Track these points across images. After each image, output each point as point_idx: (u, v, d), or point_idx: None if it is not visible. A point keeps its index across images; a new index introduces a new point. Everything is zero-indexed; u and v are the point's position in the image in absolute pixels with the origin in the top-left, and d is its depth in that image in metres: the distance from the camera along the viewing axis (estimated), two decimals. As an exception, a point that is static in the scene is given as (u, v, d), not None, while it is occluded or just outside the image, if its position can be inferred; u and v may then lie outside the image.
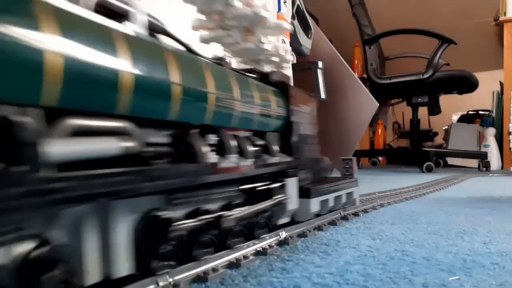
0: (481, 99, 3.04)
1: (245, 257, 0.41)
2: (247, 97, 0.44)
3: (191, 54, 0.40)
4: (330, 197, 0.62)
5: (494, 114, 2.95)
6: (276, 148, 0.52)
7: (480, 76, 2.26)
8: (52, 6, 0.23)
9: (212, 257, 0.39)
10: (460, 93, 2.24)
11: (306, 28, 1.24)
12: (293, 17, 1.14)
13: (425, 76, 2.06)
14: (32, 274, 0.24)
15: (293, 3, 1.13)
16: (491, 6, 2.70)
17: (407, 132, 2.82)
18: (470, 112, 3.31)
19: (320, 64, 1.30)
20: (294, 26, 1.14)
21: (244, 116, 0.44)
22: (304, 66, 1.29)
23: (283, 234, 0.50)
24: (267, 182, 0.49)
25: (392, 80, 2.15)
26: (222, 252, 0.40)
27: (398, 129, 3.53)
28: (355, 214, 0.70)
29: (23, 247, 0.23)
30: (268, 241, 0.47)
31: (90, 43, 0.25)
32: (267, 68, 0.49)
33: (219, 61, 0.45)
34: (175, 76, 0.32)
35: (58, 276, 0.25)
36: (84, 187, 0.24)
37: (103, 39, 0.26)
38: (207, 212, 0.39)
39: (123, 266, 0.30)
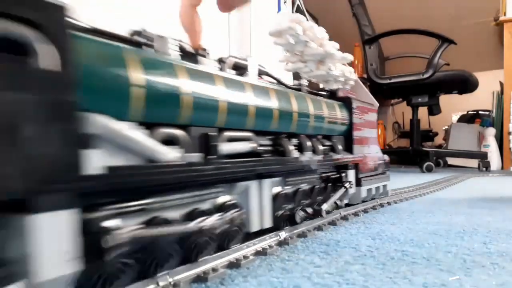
0: (481, 99, 3.04)
1: (245, 257, 0.41)
2: (318, 111, 0.63)
3: (281, 85, 0.60)
4: (373, 187, 0.80)
5: (494, 114, 2.96)
6: (340, 147, 0.70)
7: (480, 76, 2.26)
8: (188, 66, 0.40)
9: (212, 257, 0.39)
10: (460, 93, 2.24)
11: (306, 28, 1.24)
12: (293, 17, 1.14)
13: (425, 76, 2.06)
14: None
15: (293, 3, 1.13)
16: (491, 6, 2.70)
17: (407, 132, 2.82)
18: (470, 112, 3.31)
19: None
20: (294, 26, 1.15)
21: (316, 125, 0.62)
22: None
23: (283, 234, 0.51)
24: (335, 172, 0.69)
25: (392, 80, 2.15)
26: (222, 252, 0.40)
27: (398, 129, 3.53)
28: (355, 214, 0.70)
29: (221, 200, 0.43)
30: (268, 241, 0.47)
31: (230, 89, 0.44)
32: (335, 86, 0.66)
33: (299, 86, 0.65)
34: (274, 103, 0.52)
35: (237, 222, 0.43)
36: (237, 167, 0.43)
37: (238, 85, 0.46)
38: (304, 191, 0.58)
39: (268, 221, 0.50)
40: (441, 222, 0.66)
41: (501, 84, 2.70)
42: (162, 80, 0.35)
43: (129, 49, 0.33)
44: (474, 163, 2.45)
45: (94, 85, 0.29)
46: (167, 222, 0.35)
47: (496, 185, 1.50)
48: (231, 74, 0.48)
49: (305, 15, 1.23)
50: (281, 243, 0.49)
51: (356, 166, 0.74)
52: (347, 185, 0.68)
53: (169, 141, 0.36)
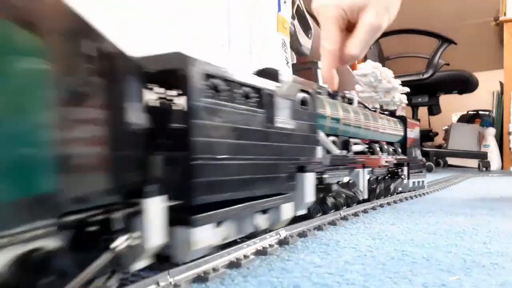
0: (481, 99, 3.04)
1: (245, 256, 0.41)
2: (384, 126, 0.90)
3: (365, 108, 0.88)
4: (416, 180, 1.06)
5: (494, 114, 2.96)
6: (399, 150, 1.00)
7: (480, 76, 2.26)
8: (340, 104, 0.72)
9: (212, 256, 0.39)
10: (460, 93, 2.24)
11: (306, 28, 1.24)
12: (293, 17, 1.14)
13: (425, 76, 2.06)
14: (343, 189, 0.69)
15: (293, 3, 1.13)
16: (491, 6, 2.70)
17: (407, 132, 2.82)
18: (470, 112, 3.31)
19: (320, 64, 1.30)
20: (294, 26, 1.14)
21: (384, 136, 0.91)
22: (304, 66, 1.29)
23: (283, 233, 0.51)
24: (395, 168, 0.96)
25: (392, 80, 2.15)
26: (222, 252, 0.40)
27: (398, 129, 3.52)
28: (355, 214, 0.70)
29: (346, 178, 0.72)
30: (268, 240, 0.47)
31: (354, 114, 0.76)
32: (394, 108, 1.01)
33: (375, 110, 0.93)
34: (371, 122, 0.83)
35: (351, 194, 0.72)
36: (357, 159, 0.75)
37: (355, 112, 0.77)
38: (383, 178, 0.88)
39: (366, 194, 0.78)
40: (441, 222, 0.66)
41: (501, 84, 2.70)
42: (334, 112, 0.68)
43: (323, 96, 0.68)
44: (474, 163, 2.45)
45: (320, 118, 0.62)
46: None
47: (496, 185, 1.50)
48: (350, 105, 0.78)
49: (305, 15, 1.23)
50: (281, 243, 0.49)
51: (408, 164, 1.00)
52: (403, 176, 0.96)
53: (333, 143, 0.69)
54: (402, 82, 2.28)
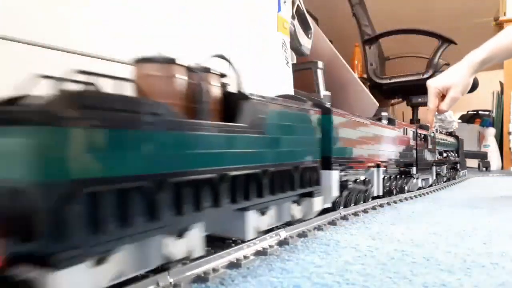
0: (481, 99, 3.04)
1: (245, 257, 0.41)
2: (445, 142, 1.52)
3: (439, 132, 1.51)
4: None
5: (494, 114, 2.95)
6: (455, 154, 1.64)
7: (480, 76, 2.25)
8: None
9: (213, 257, 0.39)
10: (460, 93, 2.23)
11: (306, 28, 1.24)
12: (293, 17, 1.14)
13: (425, 76, 2.06)
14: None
15: (293, 3, 1.13)
16: (491, 6, 2.70)
17: (407, 132, 2.82)
18: (470, 112, 3.31)
19: (320, 64, 1.30)
20: (294, 26, 1.14)
21: (445, 146, 1.50)
22: (304, 66, 1.29)
23: (283, 234, 0.51)
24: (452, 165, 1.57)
25: (392, 80, 2.15)
26: (222, 252, 0.40)
27: (398, 129, 3.53)
28: (355, 214, 0.70)
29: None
30: (268, 241, 0.47)
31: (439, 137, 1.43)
32: (451, 129, 1.71)
33: (442, 130, 1.63)
34: (442, 141, 1.48)
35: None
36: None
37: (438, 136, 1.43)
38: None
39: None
40: (441, 222, 0.66)
41: (501, 84, 2.70)
42: (437, 137, 1.41)
43: (437, 133, 1.42)
44: (474, 163, 2.45)
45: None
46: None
47: (496, 185, 1.50)
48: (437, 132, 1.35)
49: (305, 15, 1.23)
50: (281, 243, 0.49)
51: (460, 164, 1.64)
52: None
53: None
54: (402, 82, 2.28)
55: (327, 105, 0.65)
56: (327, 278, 0.37)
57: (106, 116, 0.27)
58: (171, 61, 0.39)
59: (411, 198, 0.99)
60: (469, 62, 0.78)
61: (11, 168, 0.24)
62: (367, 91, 1.65)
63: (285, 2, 1.04)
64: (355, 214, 0.71)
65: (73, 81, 0.28)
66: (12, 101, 0.28)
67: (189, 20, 0.81)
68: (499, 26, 2.54)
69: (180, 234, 0.35)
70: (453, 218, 0.70)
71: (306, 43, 1.22)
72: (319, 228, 0.58)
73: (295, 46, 1.17)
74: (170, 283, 0.33)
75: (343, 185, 0.68)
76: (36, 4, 0.55)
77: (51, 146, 0.24)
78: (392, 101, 3.21)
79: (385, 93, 2.29)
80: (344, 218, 0.66)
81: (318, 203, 0.58)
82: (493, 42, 0.80)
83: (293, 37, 1.14)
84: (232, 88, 0.47)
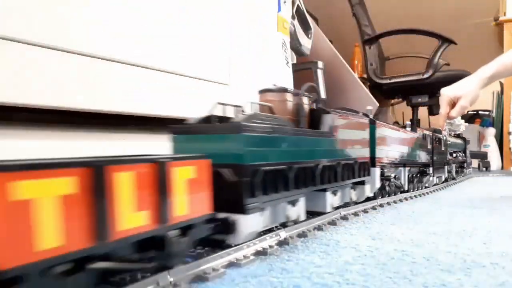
0: (481, 99, 3.03)
1: (245, 257, 0.41)
2: (455, 143, 1.63)
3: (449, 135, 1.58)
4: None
5: (494, 114, 2.95)
6: (462, 154, 1.74)
7: (480, 76, 2.25)
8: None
9: (213, 256, 0.39)
10: (460, 93, 2.23)
11: (306, 28, 1.24)
12: (293, 17, 1.14)
13: (425, 76, 2.06)
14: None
15: (293, 3, 1.13)
16: (491, 6, 2.70)
17: (407, 132, 2.82)
18: (470, 112, 3.31)
19: (320, 64, 1.30)
20: (294, 26, 1.14)
21: (454, 147, 1.61)
22: (304, 66, 1.29)
23: (283, 234, 0.51)
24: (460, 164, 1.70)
25: (392, 80, 2.15)
26: (222, 252, 0.40)
27: (398, 129, 3.53)
28: (355, 214, 0.70)
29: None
30: (268, 241, 0.47)
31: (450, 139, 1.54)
32: (458, 132, 1.79)
33: (451, 133, 1.67)
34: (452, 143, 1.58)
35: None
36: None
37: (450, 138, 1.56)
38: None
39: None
40: (441, 222, 0.66)
41: (501, 84, 2.70)
42: (450, 140, 1.50)
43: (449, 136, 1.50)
44: (474, 163, 2.45)
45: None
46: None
47: (496, 185, 1.50)
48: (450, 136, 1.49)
49: (305, 15, 1.23)
50: (281, 243, 0.49)
51: (467, 163, 1.75)
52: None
53: None
54: (402, 82, 2.28)
55: (371, 117, 0.83)
56: (327, 278, 0.37)
57: (265, 127, 0.46)
58: (284, 90, 0.57)
59: (411, 198, 0.99)
60: (479, 76, 0.92)
61: (230, 157, 0.43)
62: (367, 91, 1.65)
63: (285, 2, 1.04)
64: (355, 214, 0.71)
65: (253, 103, 0.53)
66: (207, 119, 0.48)
67: (189, 20, 0.81)
68: (499, 26, 2.54)
69: (294, 203, 0.53)
70: (453, 218, 0.70)
71: (306, 43, 1.22)
72: (319, 228, 0.58)
73: (295, 46, 1.17)
74: (170, 282, 0.33)
75: (382, 179, 0.86)
76: (35, 4, 0.55)
77: (245, 144, 0.42)
78: (392, 101, 3.21)
79: (385, 93, 2.29)
80: (344, 218, 0.66)
81: (367, 190, 0.77)
82: (501, 60, 0.92)
83: (293, 37, 1.14)
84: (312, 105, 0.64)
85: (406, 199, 0.96)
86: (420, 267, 0.40)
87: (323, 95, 1.29)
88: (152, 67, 0.72)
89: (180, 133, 0.47)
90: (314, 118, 0.63)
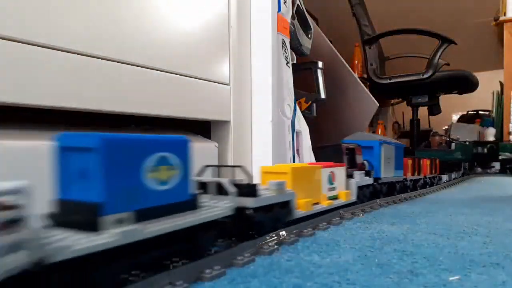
0: (481, 99, 3.04)
1: (245, 257, 0.41)
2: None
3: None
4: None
5: (494, 114, 2.95)
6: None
7: (480, 76, 2.26)
8: None
9: (212, 256, 0.39)
10: (460, 93, 2.24)
11: (306, 28, 1.24)
12: (293, 17, 1.14)
13: (425, 76, 2.06)
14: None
15: (293, 3, 1.13)
16: (491, 6, 2.70)
17: (407, 132, 2.82)
18: (470, 112, 3.31)
19: (320, 64, 1.30)
20: (294, 26, 1.14)
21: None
22: (304, 66, 1.29)
23: (283, 234, 0.51)
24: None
25: (392, 80, 2.15)
26: (222, 252, 0.40)
27: (398, 129, 3.53)
28: (355, 214, 0.70)
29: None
30: (268, 241, 0.47)
31: None
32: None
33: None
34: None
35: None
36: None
37: None
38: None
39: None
40: (441, 222, 0.66)
41: (501, 84, 2.70)
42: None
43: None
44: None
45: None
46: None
47: (496, 185, 1.50)
48: None
49: (305, 15, 1.23)
50: (281, 243, 0.49)
51: None
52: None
53: None
54: (402, 82, 2.28)
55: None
56: (327, 278, 0.37)
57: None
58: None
59: (411, 198, 0.99)
60: None
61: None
62: (367, 91, 1.65)
63: (285, 2, 1.04)
64: (355, 214, 0.71)
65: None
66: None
67: (189, 20, 0.81)
68: (499, 26, 2.54)
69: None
70: (453, 218, 0.70)
71: (306, 43, 1.22)
72: (319, 228, 0.58)
73: (295, 46, 1.17)
74: (170, 282, 0.33)
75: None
76: (35, 4, 0.55)
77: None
78: (392, 101, 3.21)
79: (385, 93, 2.29)
80: (344, 218, 0.66)
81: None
82: None
83: (293, 37, 1.14)
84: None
85: (406, 199, 0.96)
86: (420, 267, 0.40)
87: (323, 95, 1.29)
88: (152, 67, 0.72)
89: None
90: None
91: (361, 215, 0.72)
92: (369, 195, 0.82)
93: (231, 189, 0.43)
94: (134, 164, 0.31)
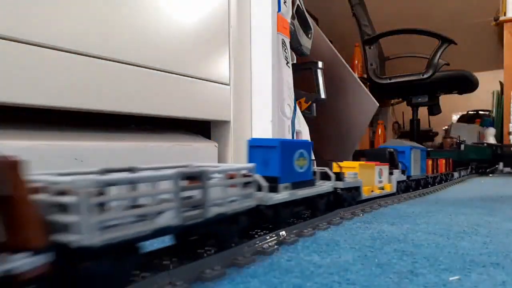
0: (481, 99, 3.04)
1: (245, 257, 0.41)
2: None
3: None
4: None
5: (494, 114, 2.95)
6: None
7: (480, 76, 2.26)
8: None
9: (212, 256, 0.39)
10: (460, 93, 2.24)
11: (306, 28, 1.24)
12: (293, 17, 1.14)
13: (425, 76, 2.06)
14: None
15: (293, 3, 1.13)
16: (491, 6, 2.70)
17: (407, 132, 2.82)
18: (470, 112, 3.31)
19: (320, 64, 1.30)
20: (294, 26, 1.14)
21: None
22: (304, 66, 1.29)
23: (283, 234, 0.51)
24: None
25: (392, 80, 2.15)
26: (222, 252, 0.40)
27: (398, 129, 3.53)
28: (355, 214, 0.70)
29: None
30: (268, 241, 0.47)
31: None
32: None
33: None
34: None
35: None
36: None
37: None
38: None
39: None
40: (441, 222, 0.66)
41: (501, 84, 2.70)
42: None
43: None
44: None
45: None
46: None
47: (496, 185, 1.50)
48: None
49: (305, 15, 1.23)
50: (281, 243, 0.49)
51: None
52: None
53: None
54: (402, 82, 2.28)
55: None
56: (327, 278, 0.37)
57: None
58: None
59: (411, 198, 0.99)
60: None
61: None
62: (367, 91, 1.65)
63: (285, 2, 1.04)
64: (355, 214, 0.71)
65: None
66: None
67: (189, 19, 0.81)
68: (499, 26, 2.54)
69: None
70: (453, 218, 0.70)
71: (306, 43, 1.22)
72: (319, 228, 0.58)
73: (295, 46, 1.17)
74: (170, 282, 0.33)
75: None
76: (36, 3, 0.55)
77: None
78: (392, 101, 3.21)
79: (385, 93, 2.29)
80: (344, 218, 0.66)
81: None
82: None
83: (293, 37, 1.14)
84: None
85: (406, 199, 0.96)
86: (420, 267, 0.40)
87: (323, 95, 1.29)
88: (152, 67, 0.72)
89: None
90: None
91: (361, 215, 0.72)
92: (403, 188, 1.01)
93: (332, 175, 0.68)
94: (290, 156, 0.54)
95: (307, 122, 1.14)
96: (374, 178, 0.85)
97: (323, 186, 0.63)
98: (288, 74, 1.04)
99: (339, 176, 0.69)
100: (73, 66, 0.59)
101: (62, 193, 0.25)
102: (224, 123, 0.91)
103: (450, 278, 0.37)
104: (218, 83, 0.87)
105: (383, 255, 0.45)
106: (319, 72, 1.30)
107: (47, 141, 0.56)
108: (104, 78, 0.63)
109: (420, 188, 1.14)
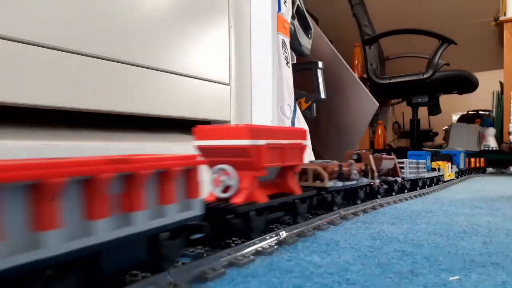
0: (481, 99, 3.04)
1: (245, 257, 0.41)
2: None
3: None
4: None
5: (494, 114, 2.95)
6: None
7: (480, 76, 2.25)
8: None
9: (212, 256, 0.39)
10: (460, 93, 2.24)
11: (306, 28, 1.24)
12: (293, 17, 1.14)
13: (425, 76, 2.06)
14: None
15: (293, 3, 1.13)
16: (491, 6, 2.70)
17: (407, 132, 2.82)
18: (470, 112, 3.31)
19: (320, 64, 1.30)
20: (294, 26, 1.14)
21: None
22: (304, 66, 1.29)
23: (283, 234, 0.51)
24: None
25: (392, 80, 2.15)
26: (222, 251, 0.40)
27: (398, 129, 3.53)
28: (355, 214, 0.70)
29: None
30: (268, 241, 0.48)
31: None
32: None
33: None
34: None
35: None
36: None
37: None
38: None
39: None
40: (441, 222, 0.66)
41: (501, 84, 2.70)
42: None
43: None
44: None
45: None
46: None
47: (496, 185, 1.50)
48: None
49: (305, 15, 1.23)
50: (281, 243, 0.49)
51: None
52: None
53: None
54: (402, 82, 2.29)
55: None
56: (327, 278, 0.37)
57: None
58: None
59: (411, 198, 0.99)
60: None
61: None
62: (367, 91, 1.65)
63: (285, 2, 1.04)
64: (355, 214, 0.71)
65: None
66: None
67: (189, 19, 0.81)
68: (499, 26, 2.54)
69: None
70: (453, 218, 0.70)
71: (306, 43, 1.22)
72: (319, 228, 0.58)
73: (295, 46, 1.17)
74: (170, 282, 0.33)
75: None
76: (35, 3, 0.55)
77: None
78: (392, 101, 3.21)
79: (385, 93, 2.29)
80: (344, 218, 0.66)
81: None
82: None
83: (293, 37, 1.14)
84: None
85: (406, 199, 0.96)
86: (420, 267, 0.40)
87: (323, 95, 1.29)
88: (152, 67, 0.72)
89: None
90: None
91: (361, 215, 0.72)
92: (456, 175, 1.65)
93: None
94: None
95: (307, 122, 1.14)
96: (446, 170, 1.45)
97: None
98: (288, 74, 1.04)
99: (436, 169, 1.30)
100: (73, 66, 0.59)
101: None
102: (224, 123, 0.91)
103: (450, 278, 0.37)
104: (218, 83, 0.87)
105: (383, 255, 0.45)
106: (319, 72, 1.30)
107: (47, 141, 0.56)
108: (103, 78, 0.63)
109: (465, 174, 1.88)
